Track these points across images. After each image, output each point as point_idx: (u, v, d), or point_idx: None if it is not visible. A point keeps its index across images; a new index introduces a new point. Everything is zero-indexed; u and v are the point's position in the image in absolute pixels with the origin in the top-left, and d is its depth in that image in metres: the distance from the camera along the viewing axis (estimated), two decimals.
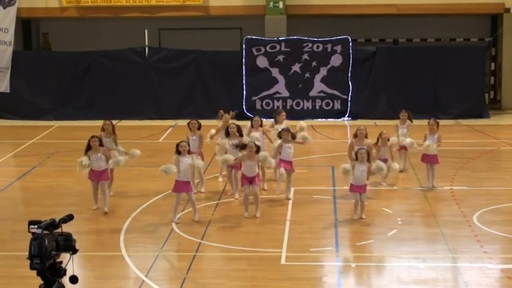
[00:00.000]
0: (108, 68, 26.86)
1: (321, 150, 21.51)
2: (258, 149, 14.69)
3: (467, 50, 27.26)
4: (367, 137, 16.06)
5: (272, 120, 17.98)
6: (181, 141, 14.56)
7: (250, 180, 14.59)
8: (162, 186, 16.27)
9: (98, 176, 15.07)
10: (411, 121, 18.10)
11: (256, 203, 14.70)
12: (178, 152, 14.32)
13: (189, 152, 14.53)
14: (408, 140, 17.39)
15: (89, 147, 15.08)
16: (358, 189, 14.51)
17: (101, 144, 15.19)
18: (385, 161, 16.12)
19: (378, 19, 28.99)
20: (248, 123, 17.15)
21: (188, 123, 16.55)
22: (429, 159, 16.63)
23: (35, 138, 23.52)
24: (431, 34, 29.25)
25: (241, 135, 15.90)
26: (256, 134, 16.44)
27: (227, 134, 15.89)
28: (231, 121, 16.81)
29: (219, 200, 16.09)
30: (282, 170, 15.78)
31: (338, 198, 16.10)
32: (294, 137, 15.94)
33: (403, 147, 17.65)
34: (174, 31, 29.26)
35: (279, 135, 15.97)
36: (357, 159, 14.49)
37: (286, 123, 17.25)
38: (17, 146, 22.30)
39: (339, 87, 26.59)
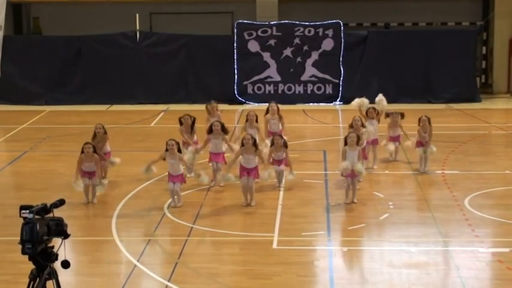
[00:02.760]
0: (99, 52, 26.87)
1: (313, 135, 21.67)
2: (254, 142, 14.63)
3: (459, 34, 27.34)
4: (364, 126, 16.11)
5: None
6: (169, 140, 14.50)
7: (248, 172, 14.48)
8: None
9: (89, 174, 14.80)
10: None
11: (250, 192, 14.64)
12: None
13: (179, 150, 14.54)
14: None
15: (82, 152, 14.87)
16: (349, 173, 14.49)
17: (95, 151, 14.89)
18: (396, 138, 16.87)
19: (369, 3, 29.13)
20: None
21: (180, 118, 16.58)
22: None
23: (26, 123, 23.53)
24: (422, 18, 29.31)
25: (225, 133, 15.82)
26: (250, 131, 16.30)
27: (210, 131, 15.79)
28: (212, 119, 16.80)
29: (210, 184, 15.92)
30: (278, 168, 15.56)
31: (330, 182, 16.08)
32: (286, 145, 15.70)
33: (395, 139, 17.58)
34: (165, 15, 29.31)
35: (272, 142, 15.70)
36: (346, 144, 14.48)
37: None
38: (8, 131, 22.31)
39: (330, 71, 26.66)
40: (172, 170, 14.46)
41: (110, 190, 15.81)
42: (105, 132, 16.19)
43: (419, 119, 16.81)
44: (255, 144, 14.68)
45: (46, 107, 26.29)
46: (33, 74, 26.83)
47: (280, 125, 17.42)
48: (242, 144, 14.72)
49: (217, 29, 28.11)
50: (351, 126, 16.05)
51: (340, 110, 25.18)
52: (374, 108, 17.17)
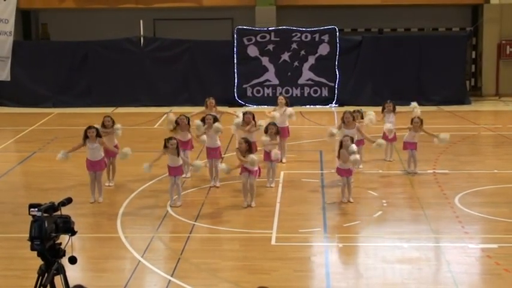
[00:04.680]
0: (105, 57, 26.91)
1: (309, 136, 21.65)
2: (249, 146, 14.47)
3: (450, 39, 27.42)
4: (354, 120, 16.20)
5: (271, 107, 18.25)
6: (171, 139, 14.59)
7: (249, 170, 14.37)
8: (156, 171, 16.15)
9: (94, 166, 14.88)
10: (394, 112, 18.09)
11: (251, 192, 14.51)
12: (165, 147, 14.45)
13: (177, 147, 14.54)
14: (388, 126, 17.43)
15: (86, 137, 14.88)
16: (344, 172, 14.63)
17: (98, 135, 14.91)
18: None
19: (363, 9, 29.11)
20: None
21: (176, 120, 16.23)
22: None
23: (35, 125, 23.66)
24: (415, 24, 29.35)
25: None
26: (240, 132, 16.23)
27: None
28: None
29: (212, 183, 16.00)
30: (274, 153, 15.44)
31: (326, 181, 16.22)
32: (278, 132, 15.86)
33: (390, 138, 17.61)
34: (169, 21, 29.27)
35: (265, 130, 15.82)
36: (341, 148, 14.56)
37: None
38: (18, 132, 22.46)
39: (326, 75, 26.81)
40: (172, 163, 14.54)
41: (115, 189, 15.90)
42: (114, 124, 16.07)
43: (412, 120, 16.84)
44: (249, 147, 14.43)
45: (54, 109, 26.40)
46: (42, 77, 26.91)
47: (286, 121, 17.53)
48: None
49: (218, 35, 28.19)
50: (343, 121, 16.14)
51: (336, 112, 25.00)
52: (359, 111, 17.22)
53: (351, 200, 14.78)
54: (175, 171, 14.62)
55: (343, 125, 16.20)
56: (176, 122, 16.16)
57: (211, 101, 17.74)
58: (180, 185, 14.79)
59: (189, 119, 16.32)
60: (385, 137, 17.47)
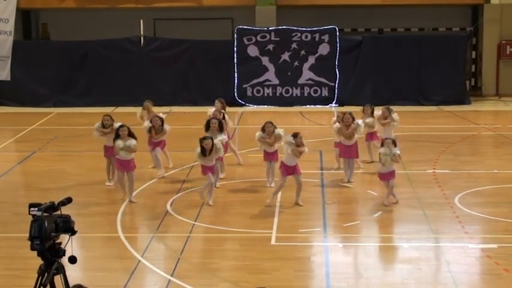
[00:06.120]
0: (105, 56, 26.97)
1: (309, 136, 20.84)
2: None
3: (450, 39, 27.52)
4: (354, 120, 16.00)
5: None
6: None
7: (290, 171, 14.42)
8: (156, 171, 16.56)
9: (125, 166, 14.77)
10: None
11: (297, 192, 14.57)
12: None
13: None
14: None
15: (117, 135, 14.73)
16: (387, 176, 14.45)
17: (130, 134, 14.78)
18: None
19: (363, 9, 29.17)
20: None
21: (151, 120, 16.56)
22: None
23: (35, 125, 23.69)
24: (415, 24, 29.45)
25: (221, 130, 15.61)
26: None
27: (207, 129, 15.64)
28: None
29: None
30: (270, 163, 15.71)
31: (326, 181, 16.26)
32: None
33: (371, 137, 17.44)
34: (168, 21, 29.34)
35: (263, 128, 15.73)
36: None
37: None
38: (18, 132, 22.48)
39: (326, 75, 26.87)
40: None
41: (115, 189, 15.81)
42: (113, 122, 16.02)
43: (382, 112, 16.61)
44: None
45: (54, 109, 26.46)
46: (42, 77, 26.95)
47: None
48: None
49: (218, 34, 28.27)
50: (342, 120, 16.06)
51: (336, 112, 24.17)
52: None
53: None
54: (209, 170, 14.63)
55: (342, 124, 16.12)
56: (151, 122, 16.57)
57: (147, 104, 17.98)
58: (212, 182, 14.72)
59: (163, 120, 16.70)
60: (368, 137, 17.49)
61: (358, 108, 18.11)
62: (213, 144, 14.41)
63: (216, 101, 17.55)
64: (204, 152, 14.43)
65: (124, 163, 14.84)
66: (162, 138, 16.88)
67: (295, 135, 14.50)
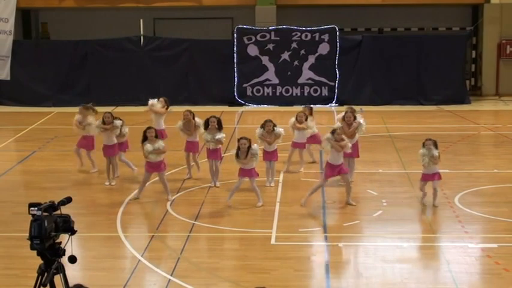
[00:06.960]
0: (105, 56, 26.98)
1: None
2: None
3: (450, 38, 27.49)
4: (355, 118, 15.96)
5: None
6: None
7: (336, 171, 14.41)
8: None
9: (154, 168, 14.74)
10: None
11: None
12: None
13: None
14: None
15: (144, 138, 14.66)
16: (431, 177, 14.36)
17: (157, 136, 14.78)
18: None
19: (363, 9, 29.20)
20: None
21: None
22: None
23: (35, 124, 23.70)
24: (415, 23, 29.46)
25: (220, 128, 15.67)
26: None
27: (206, 127, 15.70)
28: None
29: (210, 185, 16.04)
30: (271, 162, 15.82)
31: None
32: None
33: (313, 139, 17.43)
34: (168, 21, 29.35)
35: (262, 126, 15.80)
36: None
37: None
38: (18, 132, 22.50)
39: (326, 74, 26.87)
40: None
41: (115, 189, 15.95)
42: (113, 119, 16.11)
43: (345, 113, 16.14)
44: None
45: (54, 109, 26.46)
46: (42, 76, 26.95)
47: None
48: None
49: (218, 34, 28.32)
50: (343, 119, 16.06)
51: (336, 112, 24.58)
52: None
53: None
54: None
55: (344, 123, 16.08)
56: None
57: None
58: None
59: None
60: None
61: (357, 107, 18.09)
62: (249, 147, 14.29)
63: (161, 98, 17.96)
64: (238, 153, 14.34)
65: (154, 165, 14.80)
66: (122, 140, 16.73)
67: (333, 132, 14.53)
